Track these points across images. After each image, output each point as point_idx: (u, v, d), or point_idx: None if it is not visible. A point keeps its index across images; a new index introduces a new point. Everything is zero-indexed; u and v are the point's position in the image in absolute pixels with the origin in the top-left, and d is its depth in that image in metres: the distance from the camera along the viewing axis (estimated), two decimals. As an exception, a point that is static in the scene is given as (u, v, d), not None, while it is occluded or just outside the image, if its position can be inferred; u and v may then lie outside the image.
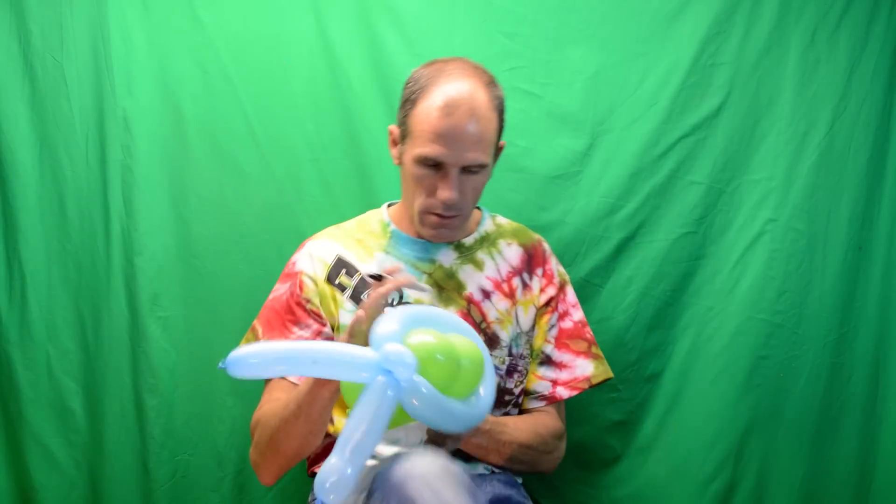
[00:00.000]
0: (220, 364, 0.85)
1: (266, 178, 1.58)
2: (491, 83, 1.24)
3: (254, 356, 0.86)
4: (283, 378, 1.23)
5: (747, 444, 1.54)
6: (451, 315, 1.11)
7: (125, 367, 1.54)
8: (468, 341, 1.02)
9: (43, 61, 1.53)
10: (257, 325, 1.31)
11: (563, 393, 1.35)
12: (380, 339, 0.91)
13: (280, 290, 1.31)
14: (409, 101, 1.23)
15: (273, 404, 1.20)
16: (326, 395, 1.07)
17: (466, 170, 1.21)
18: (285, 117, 1.58)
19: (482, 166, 1.22)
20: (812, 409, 1.54)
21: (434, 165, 1.20)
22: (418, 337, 0.95)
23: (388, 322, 0.95)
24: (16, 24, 1.53)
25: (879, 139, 1.56)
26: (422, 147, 1.19)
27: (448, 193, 1.20)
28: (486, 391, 1.03)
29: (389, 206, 1.39)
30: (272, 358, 0.86)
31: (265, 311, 1.31)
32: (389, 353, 0.88)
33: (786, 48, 1.57)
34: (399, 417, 0.92)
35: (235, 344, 1.55)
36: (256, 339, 1.29)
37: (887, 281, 1.54)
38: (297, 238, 1.57)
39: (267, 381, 1.27)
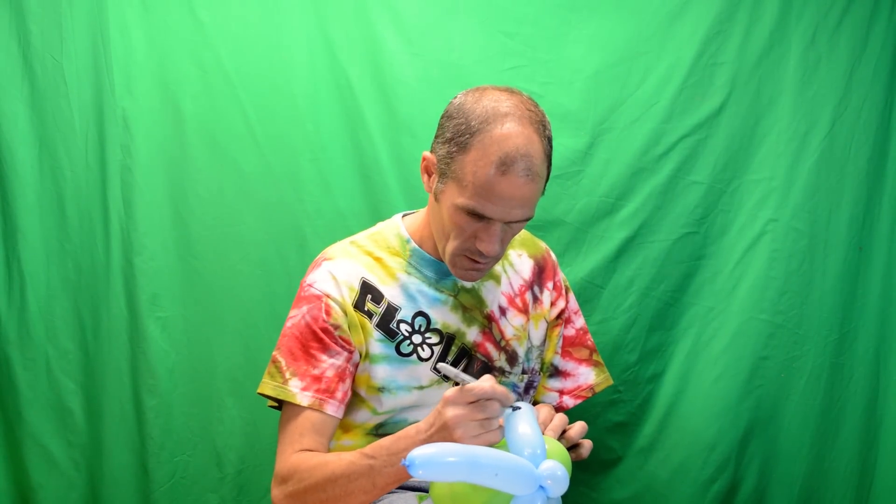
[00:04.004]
0: (402, 462, 0.86)
1: (265, 178, 1.58)
2: (543, 123, 1.14)
3: (442, 461, 0.88)
4: (309, 410, 1.15)
5: (748, 444, 1.54)
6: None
7: (124, 367, 1.54)
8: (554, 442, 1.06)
9: (42, 61, 1.53)
10: (279, 357, 1.19)
11: (569, 402, 1.34)
12: (533, 452, 0.95)
13: (298, 315, 1.19)
14: (456, 143, 1.11)
15: (314, 460, 1.11)
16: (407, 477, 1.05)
17: (511, 222, 1.15)
18: (285, 117, 1.58)
19: (528, 219, 1.16)
20: (813, 410, 1.53)
21: (478, 216, 1.12)
22: (555, 448, 1.01)
23: (533, 432, 0.97)
24: (16, 24, 1.53)
25: (880, 139, 1.56)
26: (469, 199, 1.10)
27: (490, 247, 1.13)
28: None
29: (404, 216, 1.30)
30: (459, 464, 0.88)
31: (286, 341, 1.19)
32: (549, 472, 0.93)
33: (786, 48, 1.57)
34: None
35: (235, 344, 1.56)
36: (280, 372, 1.17)
37: (888, 281, 1.54)
38: (297, 238, 1.57)
39: (284, 412, 1.18)
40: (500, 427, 0.99)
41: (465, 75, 1.58)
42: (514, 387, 1.28)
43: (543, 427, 1.06)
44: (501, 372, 1.26)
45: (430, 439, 1.00)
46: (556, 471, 0.93)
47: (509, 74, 1.58)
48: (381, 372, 1.18)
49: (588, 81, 1.59)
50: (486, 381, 1.00)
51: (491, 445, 0.97)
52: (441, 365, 1.04)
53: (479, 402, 0.98)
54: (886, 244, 1.54)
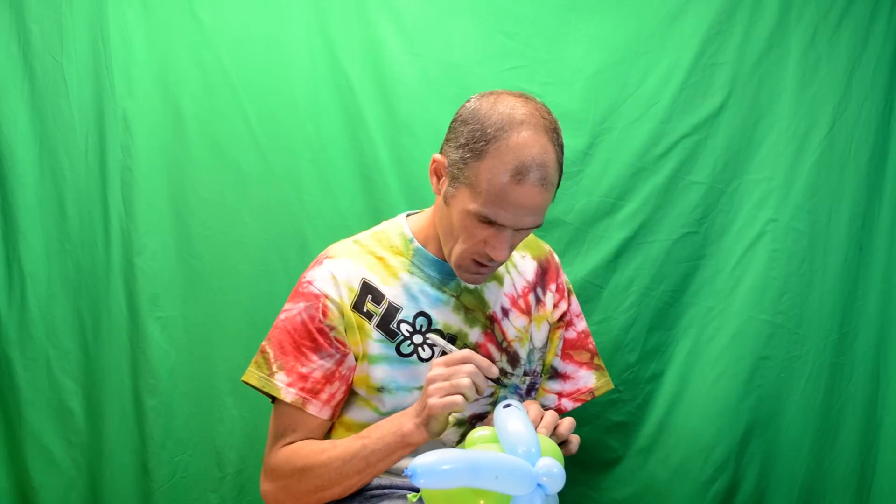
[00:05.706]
0: (405, 472, 0.87)
1: (265, 178, 1.58)
2: (556, 131, 1.14)
3: (443, 468, 0.89)
4: (293, 407, 1.16)
5: (748, 445, 1.54)
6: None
7: (125, 367, 1.54)
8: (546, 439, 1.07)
9: (42, 61, 1.53)
10: (268, 347, 1.19)
11: (568, 405, 1.34)
12: (528, 451, 0.95)
13: (293, 310, 1.19)
14: (471, 149, 1.11)
15: (308, 448, 1.14)
16: (405, 454, 1.10)
17: (521, 228, 1.15)
18: (285, 117, 1.58)
19: (537, 226, 1.15)
20: (813, 410, 1.53)
21: (489, 222, 1.12)
22: (548, 445, 1.02)
23: (526, 430, 0.98)
24: (16, 24, 1.53)
25: (880, 139, 1.56)
26: (482, 206, 1.10)
27: (499, 252, 1.13)
28: None
29: (408, 216, 1.29)
30: (460, 470, 0.90)
31: (277, 334, 1.19)
32: (546, 470, 0.94)
33: (786, 48, 1.57)
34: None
35: (235, 344, 1.56)
36: (268, 363, 1.17)
37: (888, 281, 1.54)
38: (297, 238, 1.57)
39: (275, 406, 1.19)
40: (467, 398, 1.04)
41: (465, 75, 1.58)
42: (516, 388, 1.28)
43: (535, 425, 1.06)
44: (503, 373, 1.26)
45: (416, 413, 1.08)
46: (552, 468, 0.93)
47: (509, 74, 1.58)
48: (380, 372, 1.18)
49: (588, 81, 1.59)
50: (464, 350, 1.07)
51: (483, 441, 0.99)
52: (430, 335, 1.08)
53: (452, 366, 1.05)
54: (886, 244, 1.54)
